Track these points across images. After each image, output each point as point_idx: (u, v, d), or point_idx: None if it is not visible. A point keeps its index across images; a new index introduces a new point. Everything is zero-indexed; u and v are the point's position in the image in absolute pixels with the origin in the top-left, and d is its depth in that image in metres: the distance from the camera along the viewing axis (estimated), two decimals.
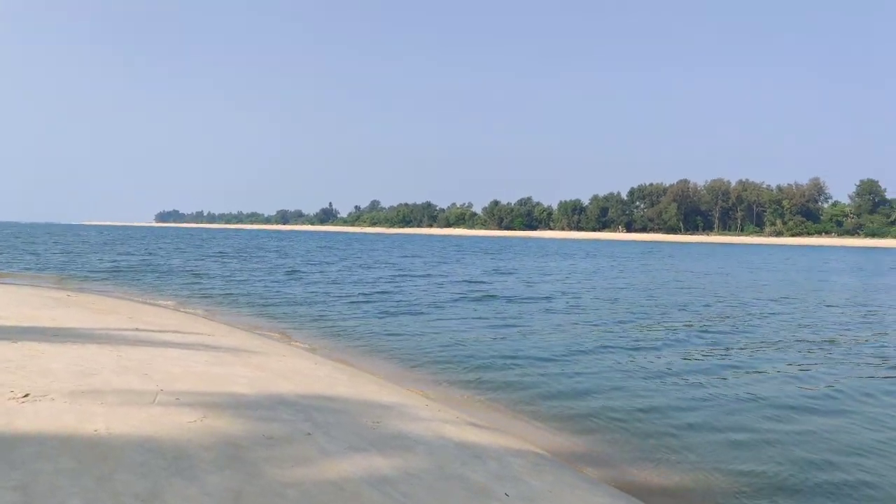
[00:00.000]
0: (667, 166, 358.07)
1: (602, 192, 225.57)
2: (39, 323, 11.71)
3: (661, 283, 33.03)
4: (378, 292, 25.24)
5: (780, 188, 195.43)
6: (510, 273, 37.72)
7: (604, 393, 10.27)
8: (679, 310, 21.33)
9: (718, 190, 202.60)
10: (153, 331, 12.39)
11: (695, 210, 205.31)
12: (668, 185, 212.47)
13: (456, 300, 22.82)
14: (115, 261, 42.89)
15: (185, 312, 18.58)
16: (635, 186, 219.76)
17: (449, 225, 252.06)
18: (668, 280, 34.87)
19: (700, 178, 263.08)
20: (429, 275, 35.24)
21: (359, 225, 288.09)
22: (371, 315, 18.76)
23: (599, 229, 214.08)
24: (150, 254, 52.07)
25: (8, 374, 6.92)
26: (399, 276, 34.35)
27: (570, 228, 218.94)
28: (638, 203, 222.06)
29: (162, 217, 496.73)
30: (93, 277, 30.94)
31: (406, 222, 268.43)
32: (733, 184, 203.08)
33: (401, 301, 22.27)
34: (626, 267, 47.13)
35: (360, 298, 23.11)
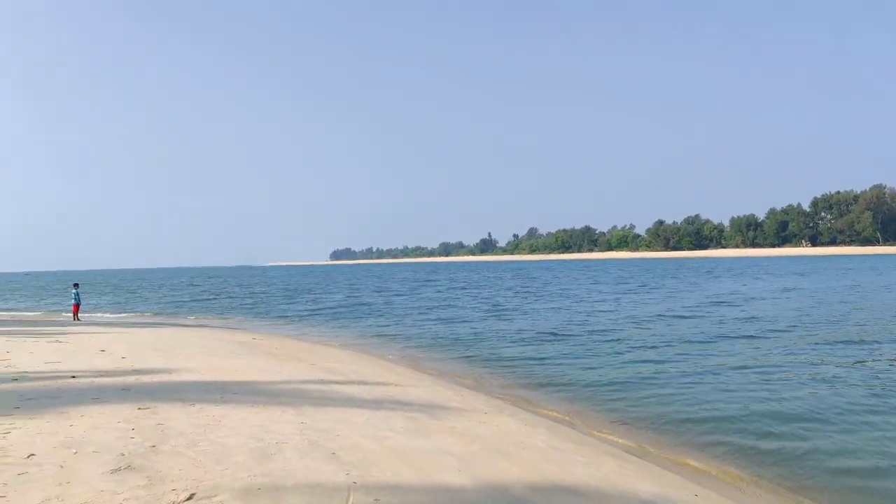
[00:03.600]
0: (853, 172, 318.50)
1: (779, 205, 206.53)
2: (222, 376, 10.84)
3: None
4: (581, 330, 21.69)
5: None
6: (724, 303, 30.36)
7: None
8: None
9: None
10: (337, 381, 11.13)
11: (894, 218, 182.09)
12: (858, 192, 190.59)
13: (684, 340, 18.36)
14: (312, 300, 44.34)
15: (369, 355, 17.54)
16: (819, 196, 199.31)
17: (610, 248, 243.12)
18: None
19: None
20: (622, 306, 31.87)
21: (518, 253, 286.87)
22: (576, 356, 16.22)
23: (779, 245, 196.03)
24: (337, 292, 53.48)
25: (176, 458, 5.60)
26: (600, 307, 30.89)
27: (745, 246, 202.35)
28: (823, 214, 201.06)
29: (336, 255, 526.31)
30: (282, 317, 31.60)
31: (565, 248, 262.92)
32: None
33: (610, 339, 19.02)
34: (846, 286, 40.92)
35: (560, 335, 20.44)
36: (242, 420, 7.29)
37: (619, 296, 37.80)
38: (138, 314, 36.15)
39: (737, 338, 18.46)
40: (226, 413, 7.58)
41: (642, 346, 17.39)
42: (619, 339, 18.95)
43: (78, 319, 27.76)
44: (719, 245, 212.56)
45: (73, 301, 28.83)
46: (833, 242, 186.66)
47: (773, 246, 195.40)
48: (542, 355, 16.47)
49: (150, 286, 79.28)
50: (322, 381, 10.99)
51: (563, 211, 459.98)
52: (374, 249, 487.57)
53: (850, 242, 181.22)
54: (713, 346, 17.03)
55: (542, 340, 19.40)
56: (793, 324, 21.27)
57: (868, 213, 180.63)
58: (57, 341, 15.91)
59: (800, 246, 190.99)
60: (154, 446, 5.93)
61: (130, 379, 9.85)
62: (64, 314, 34.45)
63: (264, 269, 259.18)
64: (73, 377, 9.72)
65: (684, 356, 15.53)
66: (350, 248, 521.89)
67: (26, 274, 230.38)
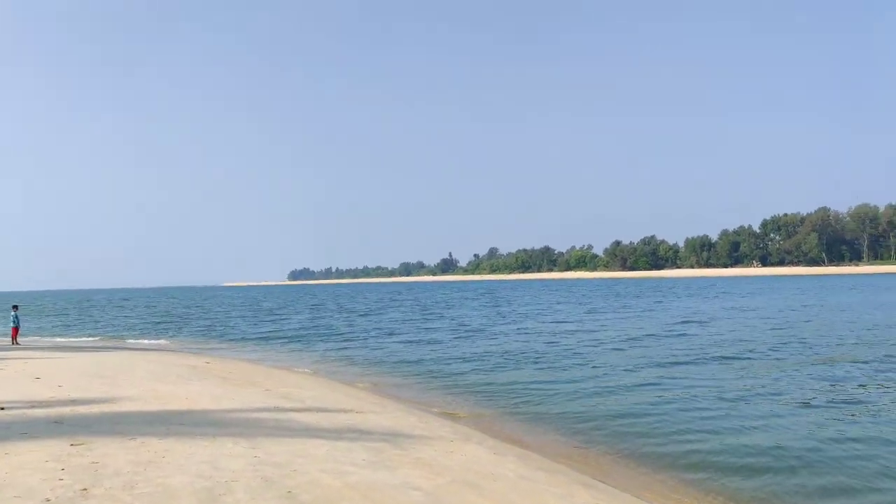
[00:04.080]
0: (800, 195, 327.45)
1: (731, 227, 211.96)
2: (169, 405, 10.11)
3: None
4: (550, 352, 21.18)
5: None
6: (701, 322, 30.35)
7: None
8: None
9: (865, 217, 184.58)
10: (294, 409, 10.50)
11: (838, 239, 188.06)
12: (805, 214, 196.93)
13: (656, 363, 17.76)
14: (271, 321, 43.05)
15: (329, 379, 16.86)
16: (768, 218, 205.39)
17: (569, 268, 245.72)
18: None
19: (841, 205, 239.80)
20: (593, 325, 31.35)
21: (478, 273, 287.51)
22: (545, 380, 15.65)
23: (731, 265, 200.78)
24: (298, 314, 51.89)
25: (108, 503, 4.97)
26: (566, 327, 30.48)
27: (700, 266, 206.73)
28: (772, 235, 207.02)
29: (294, 275, 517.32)
30: (240, 339, 30.53)
31: (525, 268, 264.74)
32: (882, 208, 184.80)
33: (580, 363, 18.46)
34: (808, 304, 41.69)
35: (528, 358, 19.91)
36: (189, 455, 6.65)
37: (586, 316, 37.66)
38: (84, 337, 34.58)
39: (710, 360, 18.16)
40: (170, 447, 6.93)
41: (614, 369, 16.95)
42: (589, 362, 18.51)
43: (17, 344, 26.27)
44: (674, 265, 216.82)
45: (11, 324, 27.32)
46: (782, 263, 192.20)
47: (725, 266, 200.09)
48: (509, 379, 16.03)
49: (100, 307, 76.49)
50: (279, 409, 10.35)
51: (523, 231, 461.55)
52: (333, 269, 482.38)
53: (798, 263, 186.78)
54: (687, 369, 16.67)
55: (510, 363, 18.96)
56: (763, 345, 21.06)
57: (814, 235, 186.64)
58: None
59: (751, 266, 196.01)
60: (85, 490, 5.28)
61: (66, 410, 9.07)
62: (1, 338, 32.70)
63: (221, 289, 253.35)
64: (2, 409, 8.91)
65: (659, 379, 15.16)
66: (308, 268, 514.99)
67: None
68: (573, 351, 21.23)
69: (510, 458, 8.18)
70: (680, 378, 15.27)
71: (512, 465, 7.79)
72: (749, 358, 18.26)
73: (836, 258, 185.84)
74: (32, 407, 9.26)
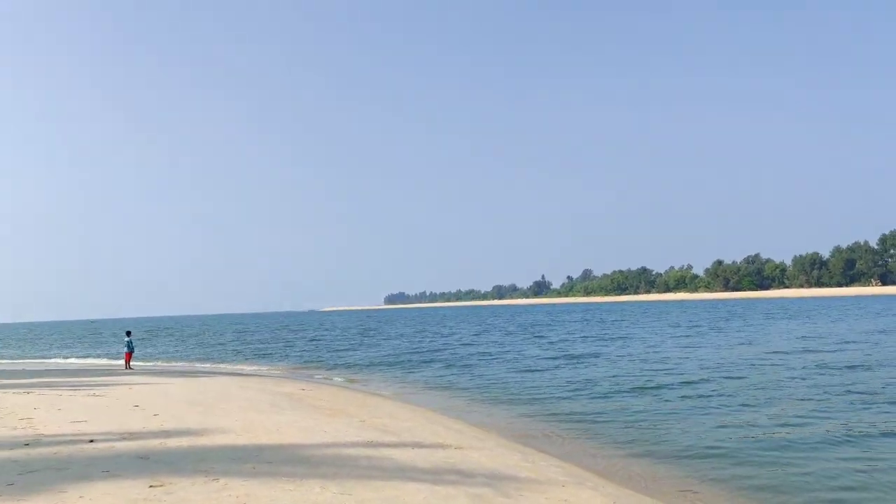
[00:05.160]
0: None
1: (844, 243, 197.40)
2: (258, 438, 9.59)
3: None
4: (673, 381, 18.86)
5: None
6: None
7: None
8: None
9: None
10: (388, 444, 9.74)
11: None
12: None
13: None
14: (371, 346, 43.00)
15: (425, 409, 16.08)
16: (887, 233, 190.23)
17: (668, 290, 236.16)
18: None
19: None
20: (711, 352, 28.13)
21: (572, 295, 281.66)
22: (670, 413, 13.89)
23: (845, 284, 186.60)
24: (397, 339, 51.16)
25: None
26: (680, 353, 27.39)
27: (810, 285, 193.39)
28: (893, 252, 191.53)
29: (390, 299, 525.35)
30: (336, 365, 30.45)
31: (621, 290, 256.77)
32: None
33: (711, 394, 16.03)
34: None
35: (644, 385, 18.15)
36: (271, 502, 5.96)
37: (700, 340, 34.32)
38: (191, 362, 35.71)
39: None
40: (252, 491, 6.27)
41: (758, 403, 14.24)
42: (724, 394, 15.90)
43: (129, 368, 27.23)
44: (782, 285, 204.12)
45: (125, 349, 28.42)
46: None
47: (839, 285, 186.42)
48: (624, 410, 14.62)
49: (212, 332, 79.86)
50: (371, 444, 9.61)
51: (618, 252, 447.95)
52: (427, 293, 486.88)
53: None
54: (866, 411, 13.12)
55: (624, 393, 17.36)
56: None
57: None
58: (94, 395, 15.04)
59: (869, 285, 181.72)
60: None
61: (155, 443, 8.69)
62: (116, 362, 34.20)
63: (322, 314, 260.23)
64: (91, 441, 8.62)
65: (827, 420, 12.48)
66: (404, 292, 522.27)
67: (91, 322, 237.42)
68: (696, 382, 18.62)
69: None
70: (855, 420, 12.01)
71: None
72: None
73: None
74: (123, 439, 8.96)
